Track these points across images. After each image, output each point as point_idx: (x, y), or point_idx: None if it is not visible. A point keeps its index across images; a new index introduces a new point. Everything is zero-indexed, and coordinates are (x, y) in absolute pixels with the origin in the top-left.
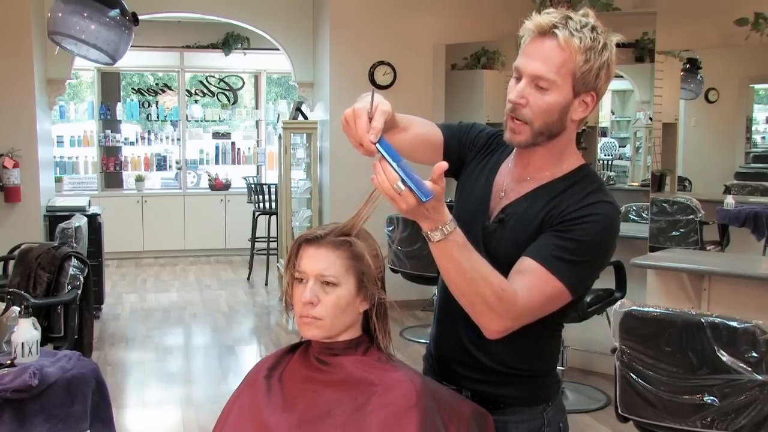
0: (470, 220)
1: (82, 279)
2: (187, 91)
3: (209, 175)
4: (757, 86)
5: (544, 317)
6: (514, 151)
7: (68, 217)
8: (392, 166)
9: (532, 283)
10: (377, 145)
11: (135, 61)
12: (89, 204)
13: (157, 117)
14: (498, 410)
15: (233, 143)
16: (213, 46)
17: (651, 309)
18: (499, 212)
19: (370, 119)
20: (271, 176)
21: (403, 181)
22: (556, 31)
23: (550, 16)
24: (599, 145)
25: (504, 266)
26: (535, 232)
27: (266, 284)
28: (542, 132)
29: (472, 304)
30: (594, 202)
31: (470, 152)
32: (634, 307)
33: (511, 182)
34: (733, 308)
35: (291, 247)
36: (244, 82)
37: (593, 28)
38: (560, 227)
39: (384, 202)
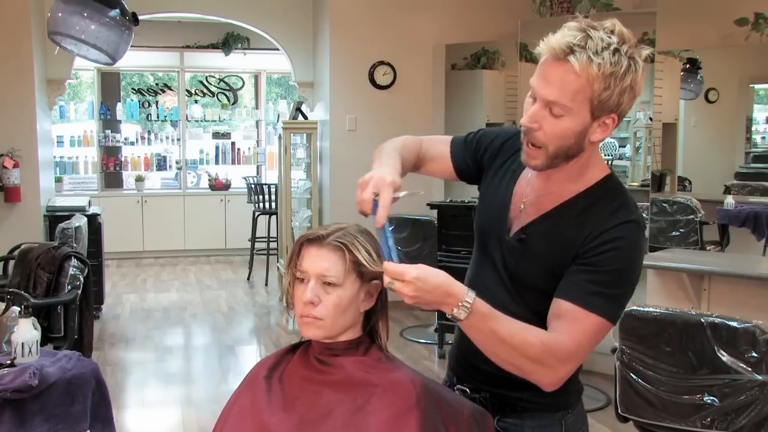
0: (489, 230)
1: (82, 279)
2: (187, 91)
3: (209, 175)
4: (757, 86)
5: None
6: None
7: (68, 217)
8: (389, 250)
9: (573, 327)
10: (386, 226)
11: (135, 61)
12: (89, 204)
13: (157, 117)
14: (515, 413)
15: (233, 143)
16: (213, 46)
17: (651, 309)
18: (519, 230)
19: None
20: (271, 176)
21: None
22: (571, 57)
23: (567, 35)
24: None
25: (526, 285)
26: (560, 254)
27: (266, 284)
28: (557, 156)
29: (518, 366)
30: (617, 225)
31: (483, 158)
32: (634, 307)
33: (531, 193)
34: (733, 308)
35: (293, 246)
36: (244, 82)
37: (616, 51)
38: (586, 258)
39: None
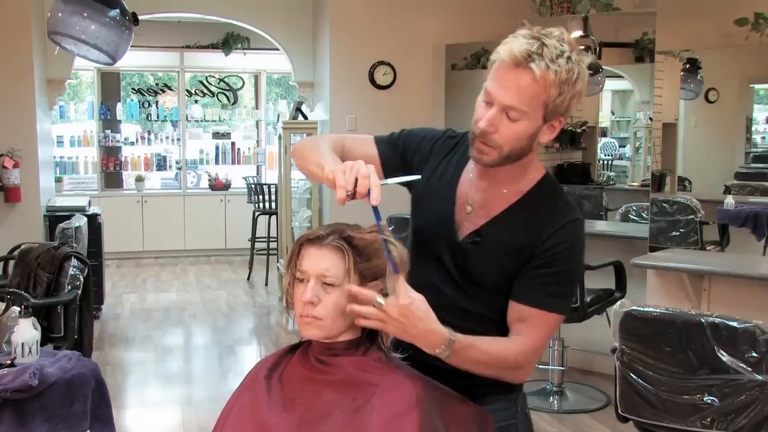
0: (434, 232)
1: (82, 279)
2: (187, 91)
3: (209, 175)
4: (757, 86)
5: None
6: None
7: (68, 217)
8: (379, 230)
9: (537, 328)
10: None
11: (135, 61)
12: (89, 204)
13: (157, 117)
14: (477, 401)
15: (233, 143)
16: (213, 46)
17: (651, 309)
18: (473, 232)
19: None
20: (271, 176)
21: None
22: (532, 65)
23: (524, 43)
24: (599, 145)
25: (481, 285)
26: (515, 258)
27: (266, 284)
28: (510, 156)
29: (496, 375)
30: (564, 225)
31: (414, 159)
32: (634, 307)
33: (476, 195)
34: (733, 308)
35: (292, 246)
36: (244, 82)
37: (568, 58)
38: (541, 260)
39: (387, 205)
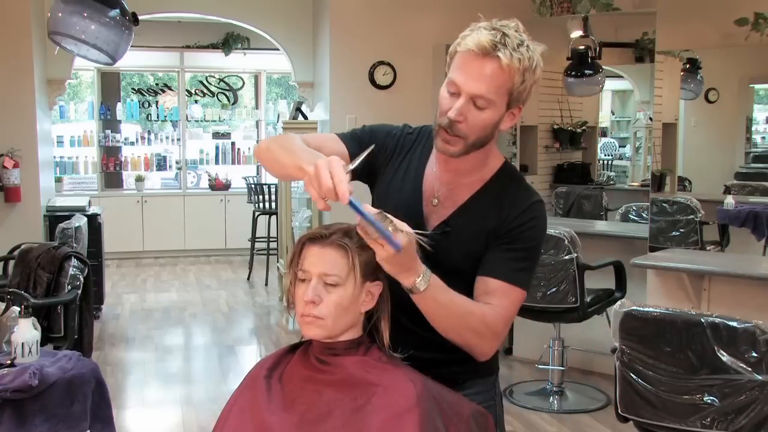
0: None
1: (82, 279)
2: (187, 91)
3: (209, 175)
4: (757, 86)
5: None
6: (435, 153)
7: (68, 217)
8: (367, 219)
9: (504, 302)
10: (351, 200)
11: (135, 61)
12: (89, 204)
13: (157, 117)
14: (457, 386)
15: (233, 143)
16: (213, 46)
17: (651, 309)
18: (441, 223)
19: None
20: (271, 176)
21: (378, 231)
22: (499, 53)
23: (488, 34)
24: (599, 145)
25: (450, 274)
26: (483, 242)
27: (266, 284)
28: (475, 145)
29: (463, 337)
30: (529, 206)
31: (378, 156)
32: (634, 307)
33: (441, 187)
34: (733, 308)
35: (294, 246)
36: (244, 82)
37: (528, 47)
38: (507, 238)
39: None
